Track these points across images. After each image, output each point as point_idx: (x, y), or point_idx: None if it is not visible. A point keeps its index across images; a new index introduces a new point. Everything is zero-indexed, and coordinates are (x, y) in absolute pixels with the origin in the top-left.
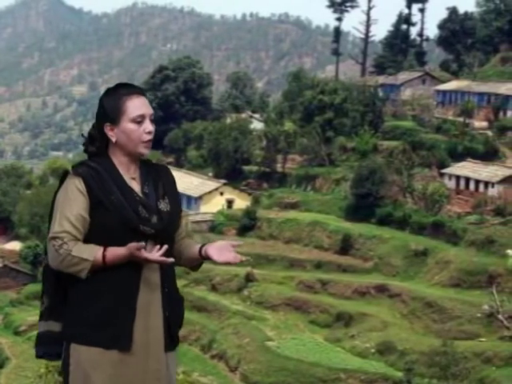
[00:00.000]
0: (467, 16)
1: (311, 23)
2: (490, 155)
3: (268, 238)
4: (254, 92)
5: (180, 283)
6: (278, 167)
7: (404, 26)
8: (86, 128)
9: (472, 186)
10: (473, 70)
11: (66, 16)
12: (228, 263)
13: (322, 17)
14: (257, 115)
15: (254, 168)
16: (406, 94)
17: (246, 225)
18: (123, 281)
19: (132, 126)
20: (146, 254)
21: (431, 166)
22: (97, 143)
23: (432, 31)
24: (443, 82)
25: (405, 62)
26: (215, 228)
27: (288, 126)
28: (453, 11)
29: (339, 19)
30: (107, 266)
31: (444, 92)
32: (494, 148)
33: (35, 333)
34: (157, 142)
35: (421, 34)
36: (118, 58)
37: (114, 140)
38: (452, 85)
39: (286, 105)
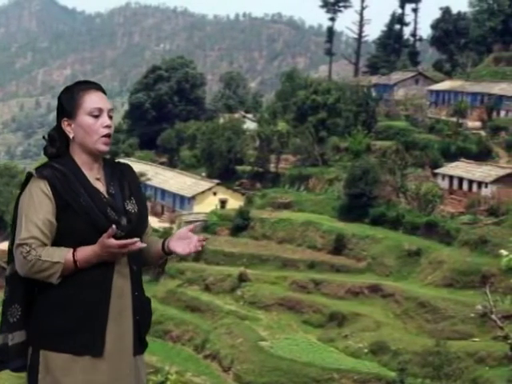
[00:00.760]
0: (460, 16)
1: (304, 23)
2: (483, 155)
3: (261, 238)
4: (247, 92)
5: (173, 283)
6: (271, 167)
7: (397, 26)
8: None
9: (465, 186)
10: (466, 70)
11: (59, 16)
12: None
13: (315, 17)
14: (250, 115)
15: (248, 168)
16: (399, 93)
17: (239, 225)
18: (94, 286)
19: (89, 120)
20: (117, 241)
21: (424, 166)
22: (57, 143)
23: (425, 31)
24: (436, 82)
25: (398, 62)
26: (208, 228)
27: (281, 126)
28: (446, 11)
29: (332, 19)
30: (78, 268)
31: (437, 92)
32: (487, 148)
33: None
34: (150, 142)
35: (414, 34)
36: (111, 57)
37: (71, 136)
38: (445, 85)
39: (279, 105)
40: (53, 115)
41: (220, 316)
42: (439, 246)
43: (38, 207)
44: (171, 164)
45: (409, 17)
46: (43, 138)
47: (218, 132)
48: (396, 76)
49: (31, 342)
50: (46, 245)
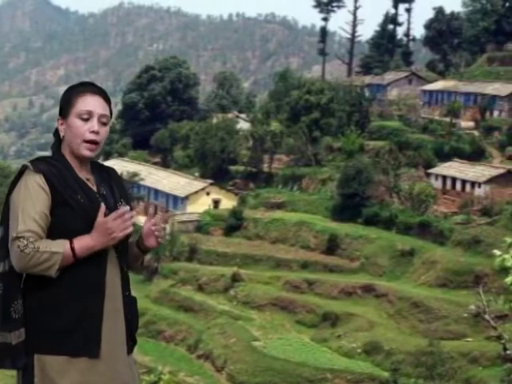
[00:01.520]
0: (453, 16)
1: (297, 23)
2: (476, 155)
3: (254, 238)
4: (240, 92)
5: (167, 283)
6: (265, 167)
7: (390, 26)
8: None
9: (458, 186)
10: (459, 70)
11: (53, 16)
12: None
13: (309, 17)
14: (243, 115)
15: (241, 168)
16: (393, 93)
17: (233, 225)
18: (88, 287)
19: (77, 122)
20: (111, 215)
21: (418, 165)
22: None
23: (418, 31)
24: (430, 82)
25: (391, 62)
26: (201, 228)
27: (274, 126)
28: (439, 11)
29: (325, 19)
30: (77, 257)
31: (430, 92)
32: (480, 148)
33: None
34: (143, 142)
35: (407, 34)
36: (105, 57)
37: (62, 135)
38: (438, 85)
39: (272, 105)
40: (46, 115)
41: (213, 316)
42: (432, 246)
43: (34, 200)
44: (164, 164)
45: (402, 17)
46: (53, 134)
47: (211, 132)
48: (389, 76)
49: (26, 345)
50: (42, 238)
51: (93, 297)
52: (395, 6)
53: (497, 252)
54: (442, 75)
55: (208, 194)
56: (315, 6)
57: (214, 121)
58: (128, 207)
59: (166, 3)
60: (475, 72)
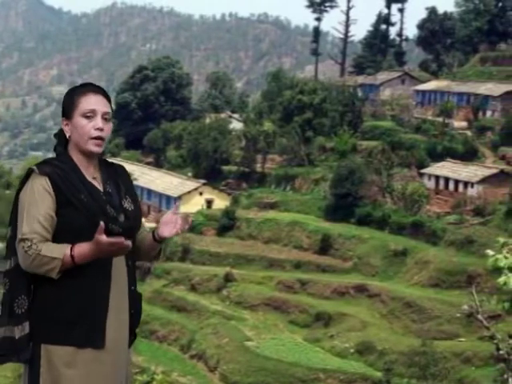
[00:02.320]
0: (446, 16)
1: (290, 23)
2: (469, 155)
3: (247, 238)
4: (233, 92)
5: (159, 283)
6: (258, 167)
7: (383, 26)
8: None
9: (451, 186)
10: (452, 70)
11: (46, 16)
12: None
13: (301, 17)
14: (236, 115)
15: (234, 168)
16: (386, 93)
17: (226, 225)
18: (94, 279)
19: (82, 121)
20: (108, 239)
21: (410, 165)
22: (64, 142)
23: (411, 31)
24: (422, 82)
25: (384, 62)
26: (194, 228)
27: (267, 126)
28: (432, 11)
29: (318, 19)
30: (76, 264)
31: (423, 92)
32: (473, 148)
33: None
34: (136, 142)
35: (400, 34)
36: (98, 57)
37: (68, 135)
38: (431, 85)
39: (265, 105)
40: (39, 115)
41: (206, 316)
42: (425, 246)
43: (39, 203)
44: (157, 164)
45: (395, 17)
46: (54, 136)
47: (204, 132)
48: (382, 76)
49: (32, 335)
50: (47, 239)
51: (99, 289)
52: (388, 6)
53: (490, 252)
54: (435, 75)
55: (201, 194)
56: (308, 6)
57: (207, 121)
58: (123, 238)
59: (158, 3)
60: (468, 72)
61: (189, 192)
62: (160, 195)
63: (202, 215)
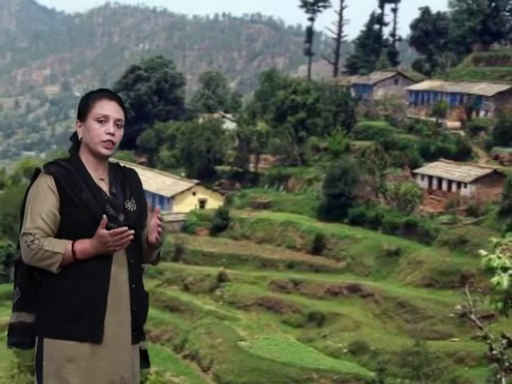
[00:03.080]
0: (440, 16)
1: (284, 23)
2: (462, 155)
3: (240, 238)
4: (226, 92)
5: (153, 283)
6: (251, 167)
7: (376, 26)
8: (59, 128)
9: (445, 186)
10: (445, 70)
11: (39, 16)
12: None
13: (295, 17)
14: (229, 115)
15: (227, 168)
16: (379, 94)
17: (219, 225)
18: (94, 277)
19: (94, 125)
20: (108, 231)
21: (404, 166)
22: (77, 144)
23: (404, 31)
24: (416, 81)
25: (377, 62)
26: (188, 228)
27: (260, 126)
28: (425, 11)
29: (312, 19)
30: (77, 259)
31: (416, 92)
32: (466, 148)
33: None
34: (129, 142)
35: (393, 34)
36: (91, 57)
37: (80, 136)
38: (424, 85)
39: (258, 105)
40: (32, 115)
41: (199, 316)
42: (418, 246)
43: (43, 200)
44: (150, 164)
45: (388, 17)
46: (70, 139)
47: (197, 132)
48: (375, 76)
49: (36, 330)
50: (49, 235)
51: (98, 286)
52: (381, 6)
53: (483, 252)
54: (428, 75)
55: (194, 193)
56: (301, 6)
57: (200, 121)
58: (126, 228)
59: (152, 3)
60: (461, 72)
61: (182, 192)
62: (153, 195)
63: (195, 215)
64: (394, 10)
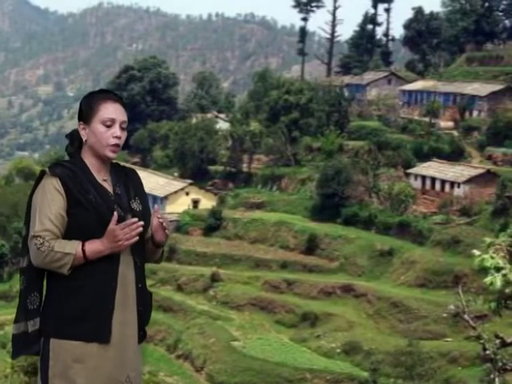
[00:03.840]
0: (433, 16)
1: (277, 23)
2: (455, 155)
3: (234, 238)
4: (219, 92)
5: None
6: (244, 167)
7: (370, 26)
8: (52, 128)
9: (438, 186)
10: (438, 70)
11: (32, 16)
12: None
13: (288, 17)
14: (222, 115)
15: (220, 168)
16: (372, 94)
17: (212, 225)
18: (102, 277)
19: (101, 128)
20: (120, 224)
21: (397, 166)
22: (76, 143)
23: (398, 31)
24: (409, 81)
25: (370, 62)
26: (181, 228)
27: (254, 126)
28: (418, 11)
29: (305, 19)
30: (87, 259)
31: (410, 92)
32: (459, 148)
33: (0, 332)
34: None
35: (386, 34)
36: (84, 57)
37: (84, 139)
38: (418, 85)
39: (251, 105)
40: (25, 115)
41: (192, 316)
42: (412, 246)
43: (50, 202)
44: (144, 164)
45: (381, 17)
46: (65, 136)
47: (190, 132)
48: (368, 76)
49: (42, 330)
50: (58, 237)
51: (106, 287)
52: (374, 6)
53: (476, 252)
54: (422, 75)
55: (187, 193)
56: (294, 6)
57: (194, 121)
58: (136, 219)
59: (145, 3)
60: (454, 72)
61: (175, 192)
62: (147, 195)
63: (188, 215)
64: (387, 10)
